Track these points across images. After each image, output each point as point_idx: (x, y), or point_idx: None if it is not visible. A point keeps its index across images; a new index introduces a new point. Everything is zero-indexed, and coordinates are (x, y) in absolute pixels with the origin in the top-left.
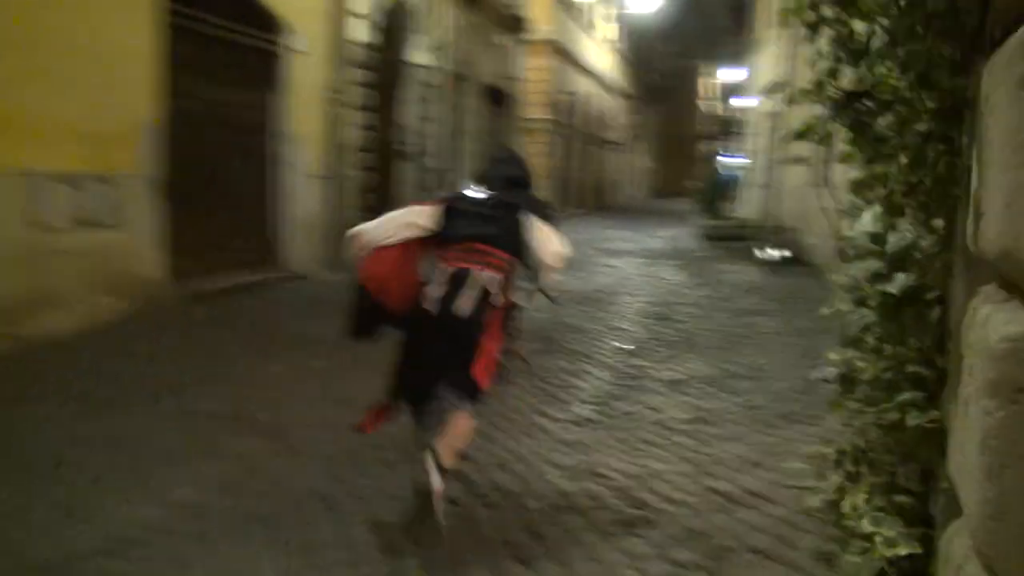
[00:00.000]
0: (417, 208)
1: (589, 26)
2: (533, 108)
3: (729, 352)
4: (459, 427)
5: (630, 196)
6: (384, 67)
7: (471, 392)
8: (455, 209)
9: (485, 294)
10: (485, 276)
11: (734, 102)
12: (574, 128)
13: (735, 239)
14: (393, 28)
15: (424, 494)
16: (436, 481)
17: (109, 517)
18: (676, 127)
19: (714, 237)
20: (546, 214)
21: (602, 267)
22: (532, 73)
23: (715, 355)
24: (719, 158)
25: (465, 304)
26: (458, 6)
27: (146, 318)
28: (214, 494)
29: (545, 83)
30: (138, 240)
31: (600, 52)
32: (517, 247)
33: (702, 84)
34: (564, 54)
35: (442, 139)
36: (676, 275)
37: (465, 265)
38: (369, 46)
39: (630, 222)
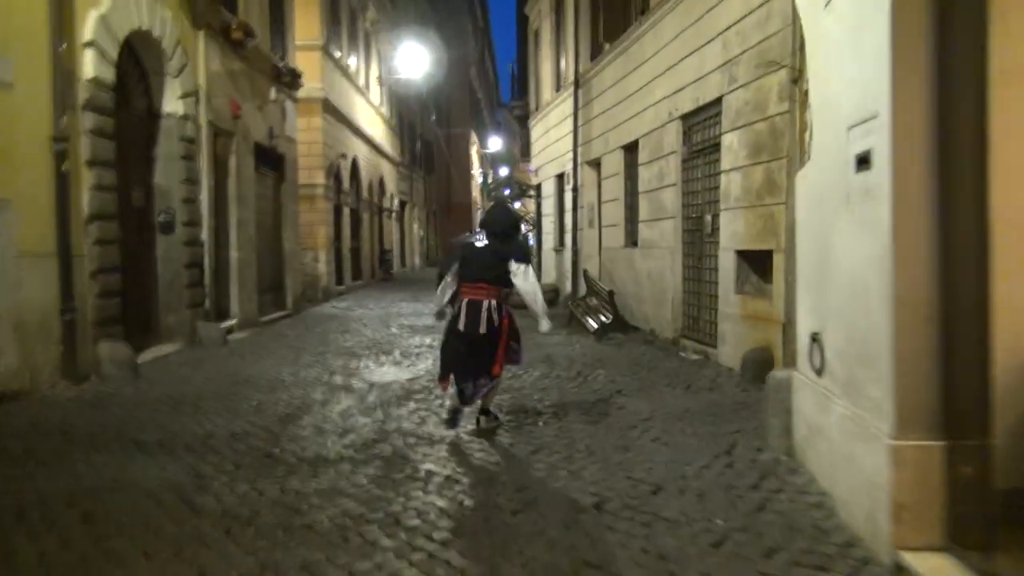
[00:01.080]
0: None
1: (364, 88)
2: (309, 172)
3: (627, 453)
4: (491, 393)
5: (410, 266)
6: (129, 115)
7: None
8: (467, 258)
9: (490, 313)
10: (488, 303)
11: (524, 167)
12: (352, 194)
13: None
14: (139, 67)
15: (488, 414)
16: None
17: None
18: (449, 194)
19: (519, 305)
20: (526, 258)
21: (416, 349)
22: (306, 134)
23: (614, 461)
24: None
25: (483, 326)
26: (219, 50)
27: None
28: None
29: (320, 145)
30: None
31: (372, 116)
32: (506, 281)
33: (474, 151)
34: (337, 114)
35: (204, 206)
36: None
37: (476, 297)
38: (107, 86)
39: (421, 293)
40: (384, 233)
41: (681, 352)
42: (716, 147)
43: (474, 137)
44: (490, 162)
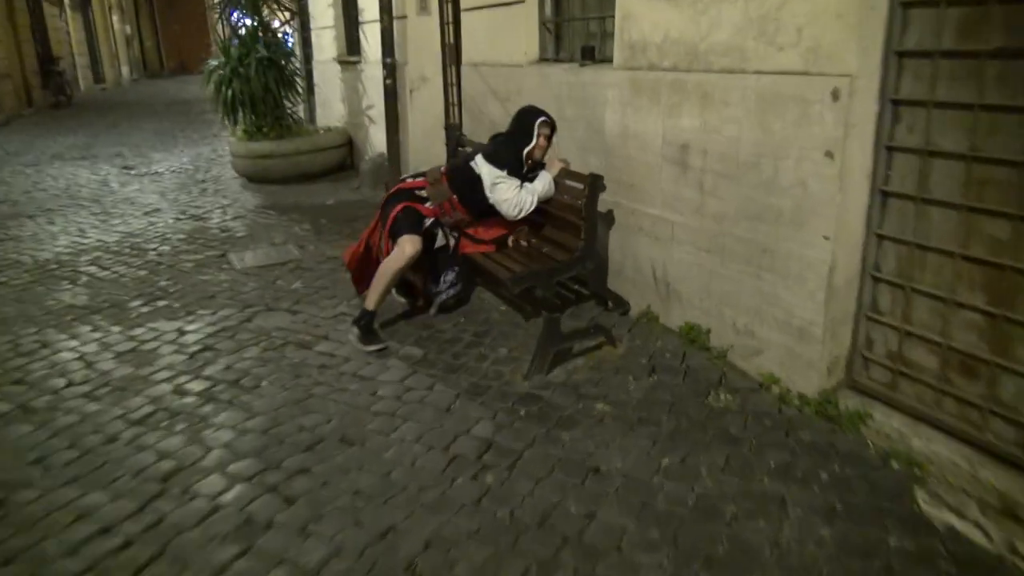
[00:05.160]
0: None
1: None
2: None
3: None
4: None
5: (112, 81)
6: None
7: None
8: None
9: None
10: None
11: None
12: None
13: (316, 177)
14: None
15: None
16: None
17: None
18: None
19: (267, 179)
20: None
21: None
22: None
23: None
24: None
25: None
26: None
27: None
28: None
29: None
30: None
31: None
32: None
33: None
34: None
35: None
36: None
37: None
38: None
39: (106, 136)
40: (49, 30)
41: (924, 506)
42: None
43: None
44: None
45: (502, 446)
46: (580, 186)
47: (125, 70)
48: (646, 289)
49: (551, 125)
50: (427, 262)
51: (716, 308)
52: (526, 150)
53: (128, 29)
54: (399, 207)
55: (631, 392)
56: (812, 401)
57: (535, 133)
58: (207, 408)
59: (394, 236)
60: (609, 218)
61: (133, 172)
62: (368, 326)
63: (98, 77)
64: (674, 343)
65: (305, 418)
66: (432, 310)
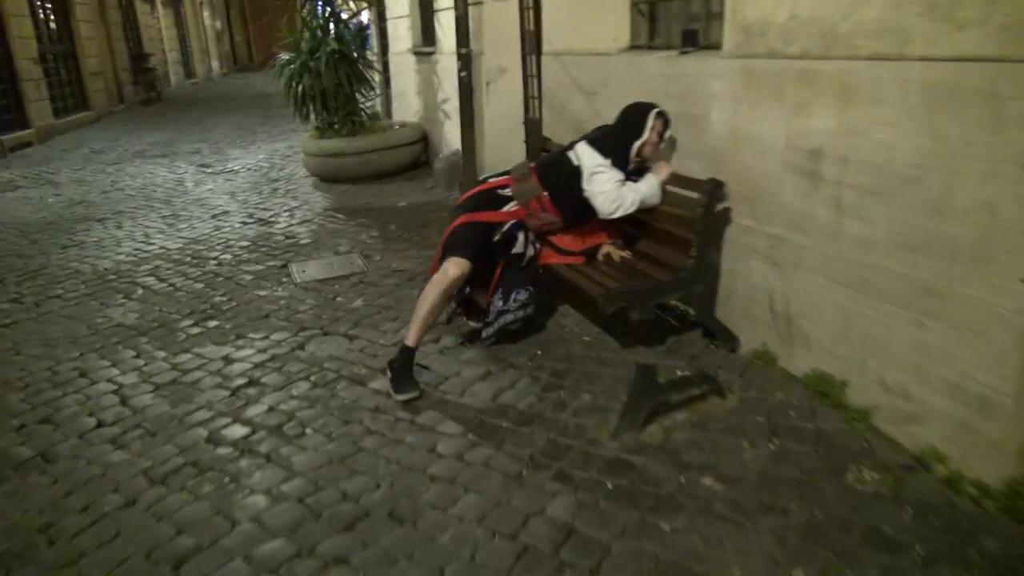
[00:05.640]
0: None
1: None
2: None
3: None
4: None
5: (203, 75)
6: None
7: None
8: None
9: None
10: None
11: None
12: None
13: (389, 176)
14: None
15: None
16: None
17: None
18: None
19: (338, 178)
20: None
21: None
22: None
23: None
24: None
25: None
26: None
27: None
28: None
29: None
30: None
31: None
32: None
33: None
34: None
35: None
36: None
37: None
38: None
39: (189, 132)
40: (141, 28)
41: None
42: None
43: None
44: None
45: (584, 535)
46: (693, 194)
47: (215, 64)
48: (761, 323)
49: (666, 120)
50: (500, 273)
51: (856, 356)
52: (636, 144)
53: (218, 24)
54: (458, 221)
55: (747, 463)
56: (996, 493)
57: (648, 126)
58: (241, 463)
59: (447, 253)
60: (717, 234)
61: (209, 170)
62: (404, 367)
63: (189, 72)
64: (799, 395)
65: (350, 482)
66: (489, 331)
